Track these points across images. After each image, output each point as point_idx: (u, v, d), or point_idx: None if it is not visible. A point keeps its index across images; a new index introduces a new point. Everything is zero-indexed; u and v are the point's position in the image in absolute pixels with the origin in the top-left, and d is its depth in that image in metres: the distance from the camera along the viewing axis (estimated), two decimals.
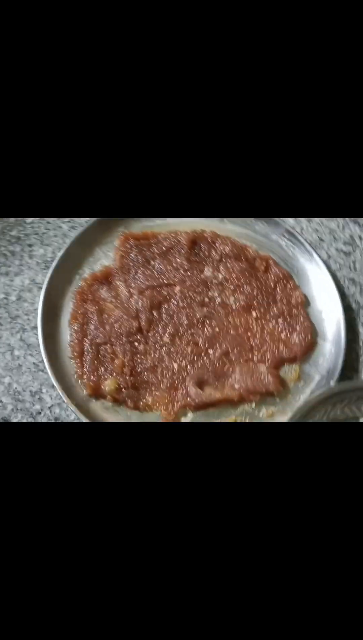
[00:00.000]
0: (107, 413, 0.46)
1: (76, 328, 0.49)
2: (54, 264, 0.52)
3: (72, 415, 0.46)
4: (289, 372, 0.50)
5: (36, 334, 0.49)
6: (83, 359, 0.48)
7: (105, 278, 0.53)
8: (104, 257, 0.55)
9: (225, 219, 0.59)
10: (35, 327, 0.49)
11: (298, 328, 0.51)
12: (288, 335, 0.51)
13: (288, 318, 0.52)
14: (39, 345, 0.48)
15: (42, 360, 0.47)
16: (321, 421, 0.42)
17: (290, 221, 0.60)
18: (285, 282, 0.54)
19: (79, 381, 0.47)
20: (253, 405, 0.47)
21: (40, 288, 0.51)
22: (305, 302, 0.53)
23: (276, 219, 0.58)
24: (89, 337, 0.49)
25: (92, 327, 0.50)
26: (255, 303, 0.53)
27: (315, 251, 0.55)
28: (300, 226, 0.60)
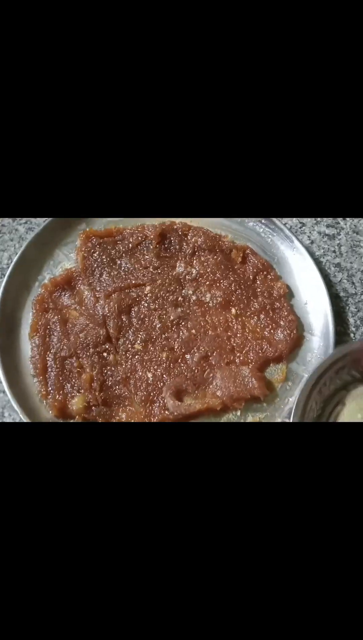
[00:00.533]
0: None
1: (37, 341, 0.44)
2: (9, 270, 0.47)
3: None
4: (275, 372, 0.45)
5: None
6: (47, 375, 0.43)
7: (67, 283, 0.48)
8: (66, 259, 0.50)
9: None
10: None
11: (282, 323, 0.47)
12: (272, 331, 0.46)
13: (271, 312, 0.47)
14: None
15: (1, 381, 0.42)
16: (327, 389, 0.40)
17: None
18: (265, 273, 0.50)
19: (44, 401, 0.43)
20: (238, 413, 0.43)
21: None
22: (288, 294, 0.49)
23: None
24: (52, 351, 0.44)
25: (55, 339, 0.45)
26: (233, 298, 0.48)
27: (296, 236, 0.51)
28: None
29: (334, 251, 0.53)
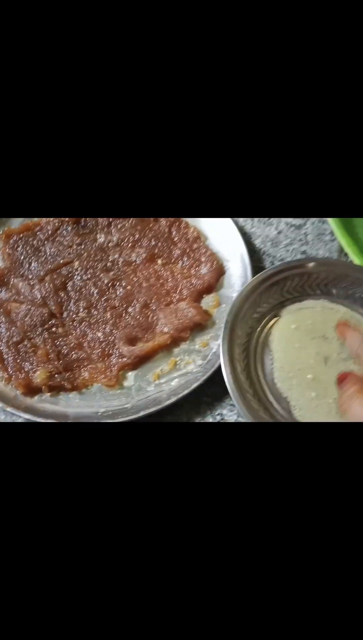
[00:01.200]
0: (47, 403, 0.44)
1: None
2: None
3: (18, 417, 0.44)
4: (210, 301, 0.50)
5: None
6: (5, 363, 0.45)
7: (0, 280, 0.50)
8: None
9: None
10: None
11: (203, 259, 0.52)
12: (197, 268, 0.51)
13: (191, 254, 0.52)
14: None
15: None
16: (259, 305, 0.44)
17: None
18: (177, 223, 0.55)
19: (9, 385, 0.45)
20: (187, 343, 0.48)
21: None
22: (203, 236, 0.54)
23: None
24: (3, 341, 0.47)
25: (3, 329, 0.47)
26: (156, 251, 0.53)
27: None
28: None
29: (300, 240, 0.56)
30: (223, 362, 0.40)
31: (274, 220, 0.57)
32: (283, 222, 0.57)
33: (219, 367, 0.41)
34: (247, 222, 0.57)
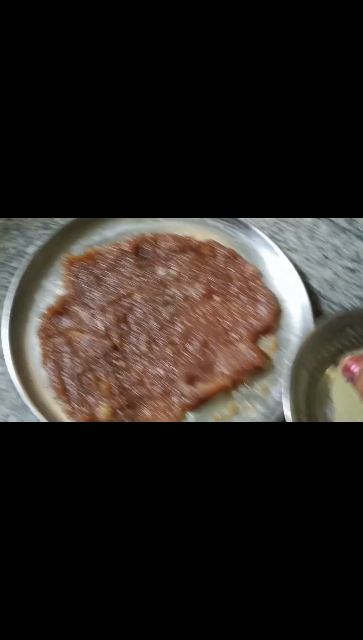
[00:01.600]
0: None
1: (51, 367, 0.48)
2: (10, 307, 0.50)
3: None
4: (268, 344, 0.51)
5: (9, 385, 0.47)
6: (68, 394, 0.47)
7: (63, 308, 0.51)
8: (54, 287, 0.54)
9: (159, 218, 0.60)
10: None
11: (261, 299, 0.53)
12: (255, 308, 0.52)
13: (249, 292, 0.53)
14: (20, 396, 0.46)
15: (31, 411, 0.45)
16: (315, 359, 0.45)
17: None
18: (233, 259, 0.56)
19: (72, 419, 0.46)
20: (246, 386, 0.49)
21: None
22: (259, 274, 0.55)
23: None
24: (66, 371, 0.48)
25: (66, 359, 0.48)
26: (213, 288, 0.54)
27: (253, 224, 0.57)
28: None
29: (356, 284, 0.56)
30: (287, 413, 0.41)
31: (329, 262, 0.58)
32: (338, 265, 0.58)
33: (283, 416, 0.42)
34: (303, 262, 0.58)
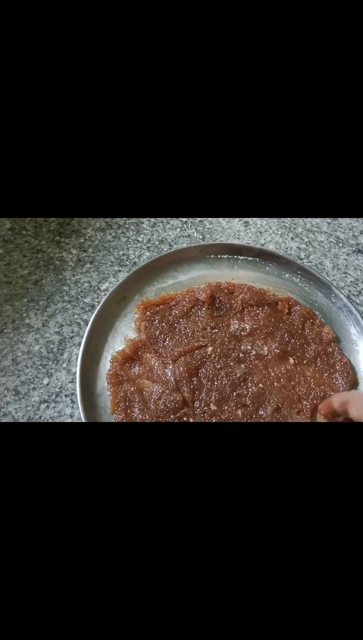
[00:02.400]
0: None
1: (120, 416, 0.47)
2: (82, 347, 0.50)
3: None
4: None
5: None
6: None
7: (135, 353, 0.51)
8: (127, 330, 0.53)
9: (235, 266, 0.59)
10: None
11: (337, 367, 0.51)
12: (331, 375, 0.50)
13: (325, 357, 0.51)
14: None
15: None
16: None
17: (302, 255, 0.60)
18: (311, 320, 0.54)
19: None
20: None
21: (70, 372, 0.49)
22: (336, 339, 0.53)
23: (287, 258, 0.58)
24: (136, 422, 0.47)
25: (136, 410, 0.48)
26: (289, 348, 0.52)
27: (332, 283, 0.56)
28: (308, 259, 0.60)
29: None
30: None
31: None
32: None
33: None
34: None
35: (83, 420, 0.46)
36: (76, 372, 0.49)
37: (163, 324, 0.53)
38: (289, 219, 0.65)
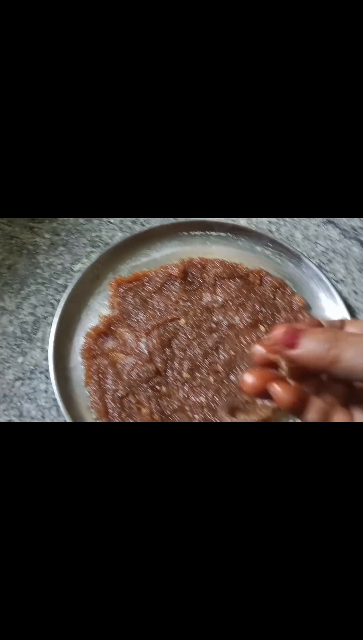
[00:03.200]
0: None
1: (94, 388, 0.48)
2: (54, 325, 0.51)
3: None
4: None
5: (52, 403, 0.47)
6: (110, 417, 0.46)
7: (108, 328, 0.52)
8: (101, 307, 0.54)
9: (207, 242, 0.60)
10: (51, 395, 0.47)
11: None
12: None
13: (296, 324, 0.52)
14: (61, 414, 0.46)
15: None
16: None
17: (273, 229, 0.61)
18: (282, 289, 0.55)
19: None
20: (289, 418, 0.47)
21: (44, 350, 0.49)
22: (307, 306, 0.54)
23: (259, 231, 0.58)
24: (109, 393, 0.48)
25: (109, 381, 0.48)
26: (260, 317, 0.53)
27: (302, 254, 0.56)
28: (278, 232, 0.61)
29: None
30: None
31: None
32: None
33: None
34: (351, 295, 0.56)
35: (56, 394, 0.47)
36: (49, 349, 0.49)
37: (136, 299, 0.53)
38: None
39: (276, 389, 0.26)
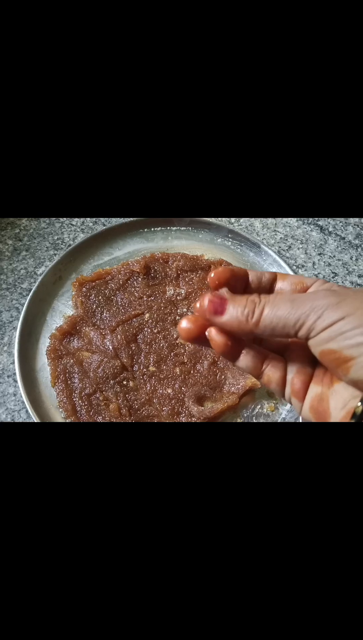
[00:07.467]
0: None
1: (60, 387, 0.48)
2: (18, 327, 0.51)
3: None
4: None
5: (21, 406, 0.47)
6: (78, 415, 0.47)
7: (73, 328, 0.52)
8: (65, 308, 0.54)
9: (169, 237, 0.60)
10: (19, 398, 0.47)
11: None
12: None
13: None
14: (30, 416, 0.46)
15: None
16: None
17: (232, 220, 0.62)
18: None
19: None
20: (254, 405, 0.48)
21: (11, 354, 0.50)
22: None
23: (218, 223, 0.59)
24: (76, 392, 0.48)
25: (76, 380, 0.49)
26: None
27: (261, 242, 0.57)
28: (238, 222, 0.62)
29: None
30: None
31: (338, 278, 0.57)
32: (348, 281, 0.57)
33: None
34: None
35: (23, 396, 0.47)
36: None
37: (100, 297, 0.54)
38: None
39: (212, 332, 0.27)
